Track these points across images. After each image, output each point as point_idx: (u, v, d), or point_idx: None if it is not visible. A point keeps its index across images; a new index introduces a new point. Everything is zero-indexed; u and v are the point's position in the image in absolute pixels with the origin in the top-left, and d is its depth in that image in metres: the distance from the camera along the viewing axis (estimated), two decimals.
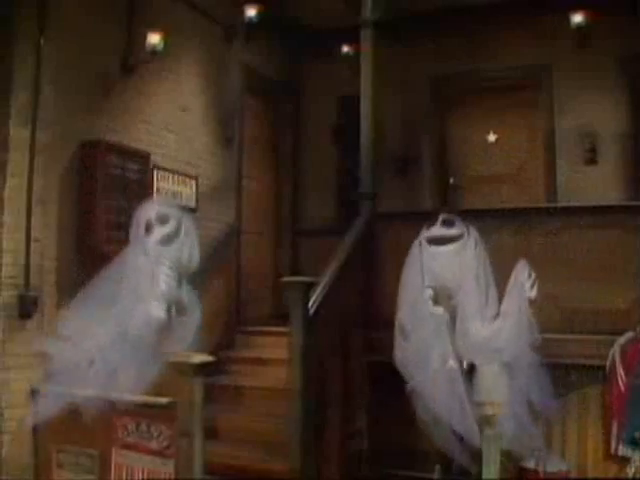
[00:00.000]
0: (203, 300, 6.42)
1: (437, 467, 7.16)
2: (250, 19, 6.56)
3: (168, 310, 3.48)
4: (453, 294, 4.18)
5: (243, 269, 7.08)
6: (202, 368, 4.29)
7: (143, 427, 4.34)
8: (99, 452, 4.43)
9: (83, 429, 4.50)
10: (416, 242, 4.69)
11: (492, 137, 7.61)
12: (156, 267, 3.61)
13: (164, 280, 3.53)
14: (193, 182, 6.47)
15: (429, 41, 7.32)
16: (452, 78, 7.56)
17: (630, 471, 5.17)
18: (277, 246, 7.81)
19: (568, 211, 6.22)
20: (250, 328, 6.85)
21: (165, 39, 5.55)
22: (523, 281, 4.07)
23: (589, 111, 7.15)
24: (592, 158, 7.23)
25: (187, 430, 4.18)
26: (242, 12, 6.55)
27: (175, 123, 6.23)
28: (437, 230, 4.63)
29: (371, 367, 6.36)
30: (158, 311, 3.47)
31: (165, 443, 4.29)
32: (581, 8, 6.70)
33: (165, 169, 6.08)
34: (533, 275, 4.10)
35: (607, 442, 5.48)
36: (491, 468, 5.10)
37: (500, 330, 4.19)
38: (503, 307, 4.20)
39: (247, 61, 7.03)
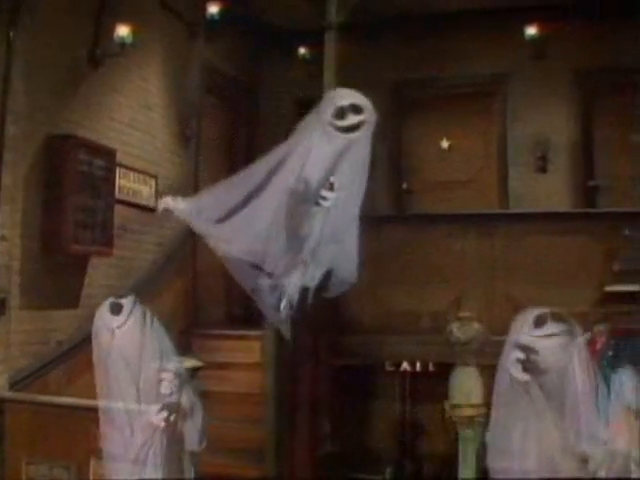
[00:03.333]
0: (159, 302, 6.37)
1: (388, 469, 7.26)
2: (213, 16, 6.45)
3: (168, 417, 3.32)
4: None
5: (199, 270, 6.92)
6: (194, 373, 4.14)
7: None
8: (76, 463, 4.24)
9: (57, 439, 4.30)
10: None
11: (448, 143, 7.72)
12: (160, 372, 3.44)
13: (167, 384, 3.37)
14: (153, 181, 6.30)
15: (391, 46, 7.37)
16: (411, 83, 7.65)
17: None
18: None
19: (531, 217, 6.41)
20: (207, 331, 6.70)
21: (134, 32, 5.38)
22: (625, 388, 3.86)
23: (542, 120, 7.37)
24: (543, 166, 7.47)
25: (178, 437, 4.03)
26: (205, 9, 6.42)
27: (139, 120, 6.06)
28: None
29: (338, 371, 6.37)
30: (158, 419, 3.31)
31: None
32: (538, 20, 6.93)
33: (127, 167, 5.89)
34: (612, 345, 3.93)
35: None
36: (467, 469, 5.18)
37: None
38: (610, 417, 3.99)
39: (208, 59, 6.90)
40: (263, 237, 3.41)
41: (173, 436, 3.32)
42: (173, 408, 3.31)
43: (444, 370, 6.02)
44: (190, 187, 6.86)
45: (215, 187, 3.66)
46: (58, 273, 5.09)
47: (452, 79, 7.58)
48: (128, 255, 5.92)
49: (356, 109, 3.36)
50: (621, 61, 6.92)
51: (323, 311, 6.08)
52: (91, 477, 4.18)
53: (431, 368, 6.88)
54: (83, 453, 4.26)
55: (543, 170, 7.46)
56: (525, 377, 3.63)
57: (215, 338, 6.55)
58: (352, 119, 3.30)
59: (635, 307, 5.75)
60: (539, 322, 3.56)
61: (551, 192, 7.36)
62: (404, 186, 7.92)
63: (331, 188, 3.45)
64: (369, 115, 3.34)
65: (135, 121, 6.00)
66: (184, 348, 6.44)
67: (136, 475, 3.28)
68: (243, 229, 3.51)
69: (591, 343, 5.72)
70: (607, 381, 5.23)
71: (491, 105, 7.66)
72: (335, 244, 3.46)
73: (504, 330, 4.74)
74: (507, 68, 7.43)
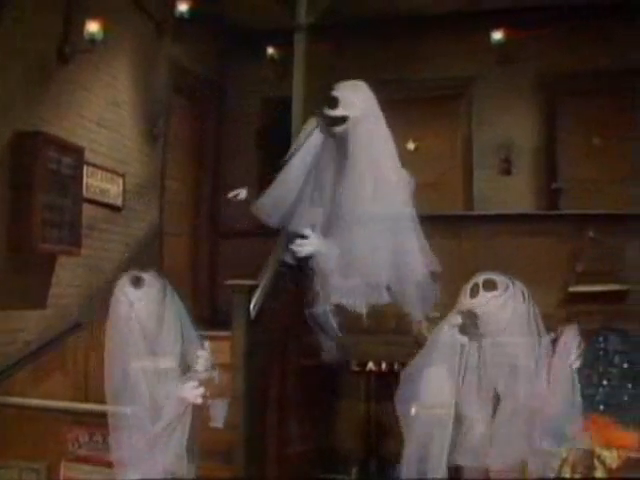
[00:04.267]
0: None
1: (354, 469, 7.30)
2: (182, 15, 6.40)
3: (204, 394, 3.25)
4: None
5: (165, 270, 6.87)
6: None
7: (97, 438, 4.13)
8: (46, 466, 4.17)
9: (27, 441, 4.23)
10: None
11: (414, 145, 7.78)
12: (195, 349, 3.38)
13: (203, 362, 3.30)
14: (120, 180, 6.23)
15: (360, 48, 7.38)
16: (378, 85, 7.64)
17: (555, 464, 5.41)
18: (197, 248, 7.64)
19: (497, 218, 6.49)
20: None
21: (104, 28, 5.32)
22: (571, 349, 3.92)
23: (506, 124, 7.48)
24: (507, 169, 7.58)
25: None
26: (174, 8, 6.38)
27: (108, 118, 6.00)
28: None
29: (305, 370, 6.37)
30: (194, 395, 3.22)
31: None
32: (504, 25, 7.04)
33: (95, 165, 5.83)
34: (582, 345, 4.01)
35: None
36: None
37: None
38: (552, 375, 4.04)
39: (176, 58, 6.86)
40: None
41: (200, 414, 3.27)
42: (208, 384, 3.27)
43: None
44: (157, 186, 6.85)
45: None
46: (26, 273, 5.01)
47: (419, 82, 7.63)
48: (95, 254, 5.85)
49: (344, 103, 3.33)
50: (584, 67, 7.08)
51: (292, 310, 6.10)
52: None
53: (396, 368, 6.95)
54: (54, 456, 4.21)
55: (507, 172, 7.57)
56: (463, 340, 3.79)
57: None
58: (338, 112, 3.27)
59: (596, 307, 5.89)
60: (477, 290, 3.75)
61: (515, 194, 7.48)
62: None
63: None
64: (355, 112, 3.29)
65: (103, 119, 5.94)
66: None
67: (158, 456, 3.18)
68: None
69: (556, 342, 5.89)
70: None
71: (457, 108, 7.74)
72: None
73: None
74: (473, 72, 7.52)
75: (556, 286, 6.12)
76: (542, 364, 3.90)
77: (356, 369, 7.18)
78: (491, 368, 3.70)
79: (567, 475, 5.27)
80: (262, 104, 7.92)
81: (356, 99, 3.53)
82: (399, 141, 7.81)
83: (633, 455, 5.07)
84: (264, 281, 5.54)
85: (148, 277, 3.52)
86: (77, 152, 5.38)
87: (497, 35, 7.14)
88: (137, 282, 3.46)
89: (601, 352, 5.83)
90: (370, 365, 7.17)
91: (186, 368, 3.36)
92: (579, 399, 3.94)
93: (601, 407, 5.80)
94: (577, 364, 3.75)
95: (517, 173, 7.55)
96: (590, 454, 5.16)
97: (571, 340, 3.81)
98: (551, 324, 5.86)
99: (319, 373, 6.98)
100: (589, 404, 5.76)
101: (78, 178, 5.40)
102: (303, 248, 3.48)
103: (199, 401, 3.23)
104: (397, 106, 7.91)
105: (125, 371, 3.31)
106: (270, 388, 5.62)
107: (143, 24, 6.40)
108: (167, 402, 3.22)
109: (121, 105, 6.24)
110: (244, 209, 7.79)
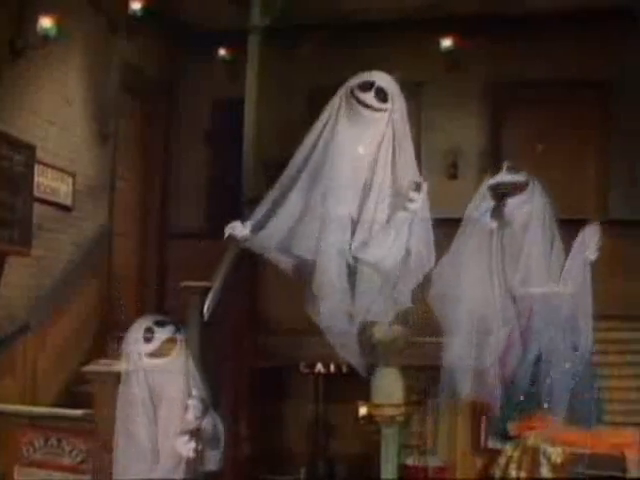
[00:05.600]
0: (75, 303, 6.21)
1: (302, 470, 7.34)
2: (135, 13, 6.33)
3: (196, 446, 3.23)
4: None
5: (114, 272, 6.79)
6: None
7: (53, 442, 4.06)
8: None
9: None
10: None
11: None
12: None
13: (192, 410, 3.28)
14: (70, 179, 6.14)
15: (312, 51, 7.42)
16: (328, 89, 7.69)
17: (502, 461, 5.55)
18: (146, 249, 7.56)
19: (445, 222, 6.60)
20: (122, 334, 6.56)
21: (58, 24, 5.23)
22: (588, 242, 3.89)
23: (454, 129, 7.63)
24: (454, 173, 7.75)
25: (108, 444, 3.94)
26: (127, 6, 6.30)
27: (59, 116, 5.92)
28: (504, 176, 4.36)
29: (255, 372, 6.38)
30: (187, 449, 3.20)
31: (79, 458, 4.04)
32: (452, 33, 7.20)
33: (46, 164, 5.73)
34: (601, 241, 4.02)
35: (477, 437, 5.90)
36: (389, 467, 5.29)
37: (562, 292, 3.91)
38: (566, 269, 3.94)
39: (128, 57, 6.80)
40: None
41: (196, 459, 3.27)
42: (199, 435, 3.26)
43: (357, 372, 6.16)
44: (106, 186, 6.76)
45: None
46: None
47: None
48: (45, 255, 5.76)
49: (383, 94, 3.38)
50: (529, 76, 7.30)
51: (242, 313, 6.11)
52: None
53: (345, 370, 7.02)
54: (7, 460, 4.12)
55: (454, 177, 7.75)
56: (493, 224, 3.97)
57: None
58: (376, 102, 3.32)
59: None
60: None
61: (461, 198, 7.62)
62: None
63: (417, 189, 3.33)
64: (393, 104, 3.35)
65: (54, 117, 5.85)
66: (101, 352, 6.35)
67: None
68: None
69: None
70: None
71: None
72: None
73: (421, 332, 4.92)
74: (422, 78, 7.62)
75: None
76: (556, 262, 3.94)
77: (305, 371, 7.23)
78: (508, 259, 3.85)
79: (513, 472, 5.45)
80: (213, 105, 7.89)
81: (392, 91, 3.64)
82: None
83: (577, 451, 5.27)
84: (217, 283, 5.55)
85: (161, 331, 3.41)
86: (29, 150, 5.29)
87: (446, 42, 7.29)
88: (150, 334, 3.37)
89: None
90: (319, 367, 7.23)
91: None
92: (590, 298, 3.89)
93: (545, 405, 6.00)
94: (593, 257, 3.81)
95: (463, 178, 7.73)
96: (535, 450, 5.34)
97: (590, 236, 3.87)
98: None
99: (269, 374, 7.02)
100: (534, 402, 5.98)
101: (29, 176, 5.31)
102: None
103: (192, 455, 3.23)
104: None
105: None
106: (224, 390, 5.62)
107: (96, 22, 6.32)
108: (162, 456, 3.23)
109: (72, 103, 6.15)
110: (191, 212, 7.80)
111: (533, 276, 3.85)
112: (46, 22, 5.18)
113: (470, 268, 3.95)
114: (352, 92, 3.45)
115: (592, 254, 3.83)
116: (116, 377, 4.02)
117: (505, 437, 5.68)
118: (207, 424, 3.36)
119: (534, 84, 7.33)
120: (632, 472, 5.03)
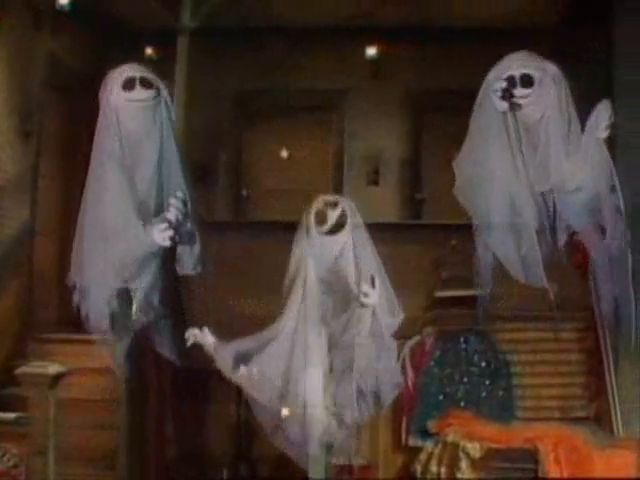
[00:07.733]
0: None
1: (224, 471, 7.36)
2: (62, 7, 6.23)
3: (172, 239, 3.11)
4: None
5: (36, 271, 6.64)
6: (58, 380, 4.04)
7: None
8: None
9: None
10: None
11: (286, 153, 8.00)
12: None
13: (174, 210, 3.17)
14: None
15: (238, 56, 7.52)
16: (255, 94, 7.84)
17: (423, 458, 5.76)
18: (68, 248, 7.38)
19: (368, 227, 6.78)
20: (43, 335, 6.43)
21: None
22: (600, 120, 3.93)
23: (376, 136, 7.87)
24: (375, 179, 7.97)
25: (42, 448, 3.91)
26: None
27: None
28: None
29: (179, 374, 6.36)
30: (163, 237, 3.10)
31: (11, 463, 3.98)
32: (375, 41, 7.42)
33: None
34: (612, 118, 4.09)
35: (398, 436, 6.09)
36: (317, 468, 5.37)
37: (581, 168, 3.97)
38: (583, 144, 4.02)
39: (54, 52, 6.65)
40: None
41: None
42: (176, 228, 3.17)
43: None
44: (28, 184, 6.60)
45: None
46: None
47: (293, 92, 7.88)
48: None
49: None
50: (448, 85, 7.52)
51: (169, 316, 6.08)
52: None
53: None
54: None
55: (375, 183, 7.97)
56: (504, 105, 4.04)
57: (54, 342, 6.30)
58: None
59: (460, 310, 6.33)
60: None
61: (382, 204, 7.85)
62: (244, 193, 8.10)
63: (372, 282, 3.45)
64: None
65: None
66: (21, 353, 6.20)
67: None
68: None
69: (420, 344, 6.26)
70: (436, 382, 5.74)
71: (329, 119, 8.06)
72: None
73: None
74: (345, 85, 7.85)
75: (423, 291, 6.50)
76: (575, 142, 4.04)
77: None
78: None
79: (434, 467, 5.66)
80: None
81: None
82: (276, 148, 8.09)
83: (494, 446, 5.55)
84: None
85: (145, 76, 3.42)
86: None
87: (370, 50, 7.53)
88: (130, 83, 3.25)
89: (462, 352, 6.28)
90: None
91: None
92: (610, 172, 3.97)
93: (462, 403, 6.26)
94: (605, 134, 3.92)
95: (384, 184, 7.96)
96: (455, 446, 5.58)
97: (601, 114, 3.95)
98: (418, 327, 6.29)
99: (191, 377, 7.01)
100: (451, 401, 6.23)
101: None
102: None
103: (167, 244, 3.16)
104: (272, 114, 8.19)
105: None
106: (148, 393, 5.61)
107: (21, 15, 6.17)
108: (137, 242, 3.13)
109: None
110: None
111: (552, 162, 3.95)
112: None
113: (492, 151, 4.10)
114: None
115: (602, 133, 3.94)
116: (49, 379, 3.99)
117: (425, 434, 5.93)
118: (185, 222, 3.31)
119: (452, 93, 7.48)
120: (544, 464, 5.34)
